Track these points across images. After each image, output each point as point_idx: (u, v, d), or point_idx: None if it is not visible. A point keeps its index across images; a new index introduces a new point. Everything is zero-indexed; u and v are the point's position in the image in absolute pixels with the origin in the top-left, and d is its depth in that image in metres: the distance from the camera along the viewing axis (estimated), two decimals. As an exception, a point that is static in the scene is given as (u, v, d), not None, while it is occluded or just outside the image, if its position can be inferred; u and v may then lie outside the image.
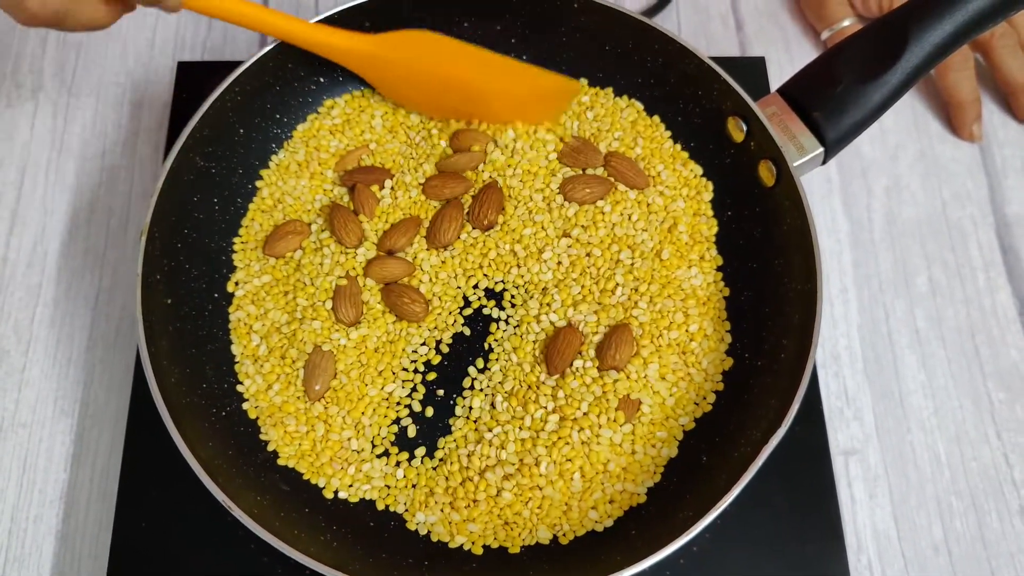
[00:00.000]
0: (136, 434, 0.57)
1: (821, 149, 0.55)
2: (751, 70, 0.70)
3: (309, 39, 0.58)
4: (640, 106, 0.65)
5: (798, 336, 0.53)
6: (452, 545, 0.53)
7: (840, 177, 0.70)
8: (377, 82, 0.62)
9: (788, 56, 0.75)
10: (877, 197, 0.68)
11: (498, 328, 0.59)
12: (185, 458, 0.49)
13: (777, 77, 0.70)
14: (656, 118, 0.64)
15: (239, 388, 0.57)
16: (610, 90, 0.65)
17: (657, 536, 0.48)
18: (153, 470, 0.55)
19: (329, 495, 0.54)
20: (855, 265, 0.66)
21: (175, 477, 0.50)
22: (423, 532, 0.53)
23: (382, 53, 0.59)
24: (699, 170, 0.63)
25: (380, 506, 0.54)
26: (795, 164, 0.55)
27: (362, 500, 0.54)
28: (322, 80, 0.64)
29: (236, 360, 0.58)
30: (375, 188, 0.62)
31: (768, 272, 0.58)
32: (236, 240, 0.61)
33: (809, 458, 0.57)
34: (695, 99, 0.62)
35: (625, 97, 0.65)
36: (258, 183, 0.63)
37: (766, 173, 0.58)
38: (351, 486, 0.54)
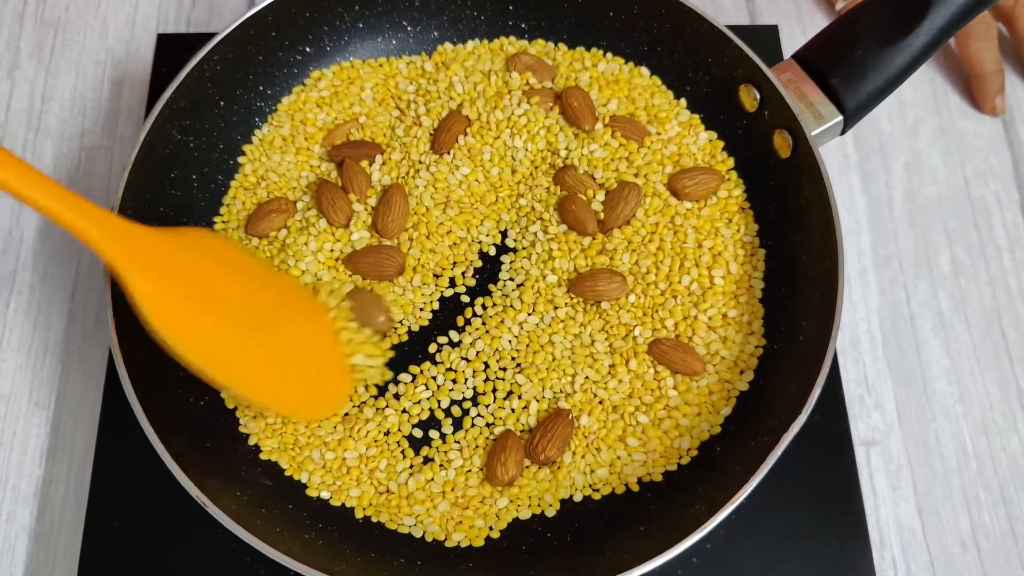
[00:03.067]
0: (110, 427, 0.54)
1: (840, 117, 0.52)
2: (763, 39, 0.67)
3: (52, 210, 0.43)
4: (646, 72, 0.62)
5: (818, 317, 0.49)
6: (449, 544, 0.50)
7: (857, 153, 0.67)
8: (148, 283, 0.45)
9: (800, 27, 0.72)
10: (896, 174, 0.66)
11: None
12: (157, 451, 0.45)
13: (790, 49, 0.67)
14: (660, 82, 0.61)
15: None
16: (614, 58, 0.62)
17: (667, 532, 0.45)
18: (128, 465, 0.52)
19: (313, 494, 0.51)
20: (874, 245, 0.63)
21: (151, 473, 0.46)
22: (417, 534, 0.50)
23: (161, 243, 0.47)
24: (713, 135, 0.60)
25: (359, 515, 0.51)
26: (813, 133, 0.52)
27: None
28: (308, 50, 0.61)
29: None
30: (364, 164, 0.58)
31: (784, 250, 0.55)
32: (217, 220, 0.58)
33: (830, 448, 0.54)
34: (704, 67, 0.59)
35: (631, 64, 0.62)
36: (240, 159, 0.59)
37: (781, 144, 0.55)
38: (331, 486, 0.51)
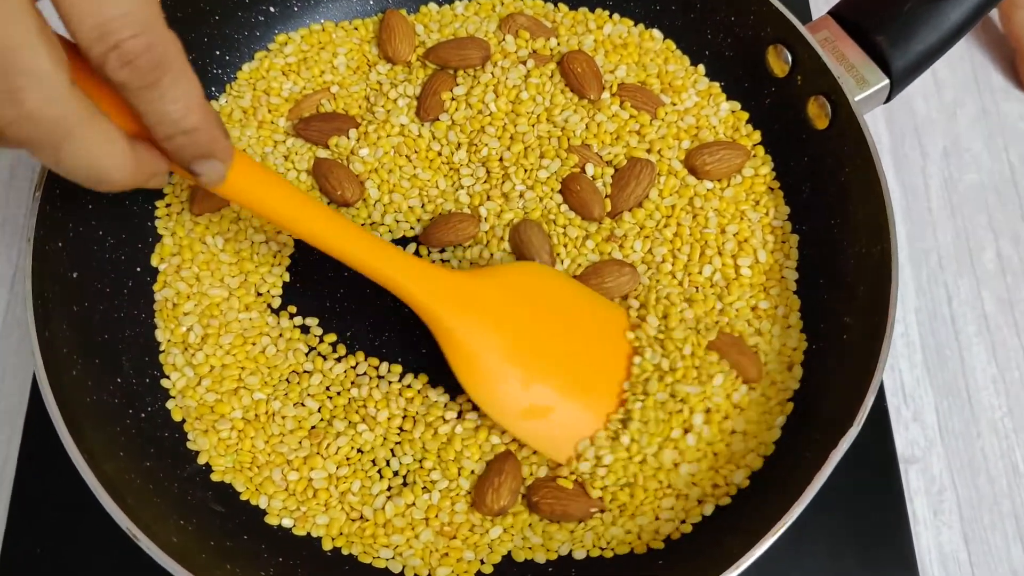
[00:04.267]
0: (34, 440, 0.48)
1: (886, 81, 0.48)
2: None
3: (391, 275, 0.43)
4: (659, 35, 0.55)
5: (867, 311, 0.44)
6: None
7: (890, 137, 0.62)
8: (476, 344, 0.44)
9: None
10: (933, 160, 0.61)
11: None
12: (79, 470, 0.39)
13: (819, 12, 0.61)
14: (674, 46, 0.55)
15: (164, 383, 0.47)
16: (622, 19, 0.56)
17: (693, 567, 0.40)
18: (53, 484, 0.47)
19: (273, 521, 0.44)
20: (909, 239, 0.59)
21: (78, 494, 0.40)
22: (396, 569, 0.43)
23: (492, 293, 0.45)
24: (736, 105, 0.54)
25: (327, 546, 0.44)
26: (855, 99, 0.47)
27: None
28: (273, 10, 0.55)
29: (161, 349, 0.48)
30: (335, 140, 0.51)
31: (820, 236, 0.49)
32: (159, 204, 0.51)
33: (871, 467, 0.50)
34: (726, 27, 0.53)
35: (641, 26, 0.56)
36: (193, 134, 0.52)
37: (816, 113, 0.49)
38: (294, 512, 0.45)
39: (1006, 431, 0.53)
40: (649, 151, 0.51)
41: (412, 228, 0.51)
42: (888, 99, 0.48)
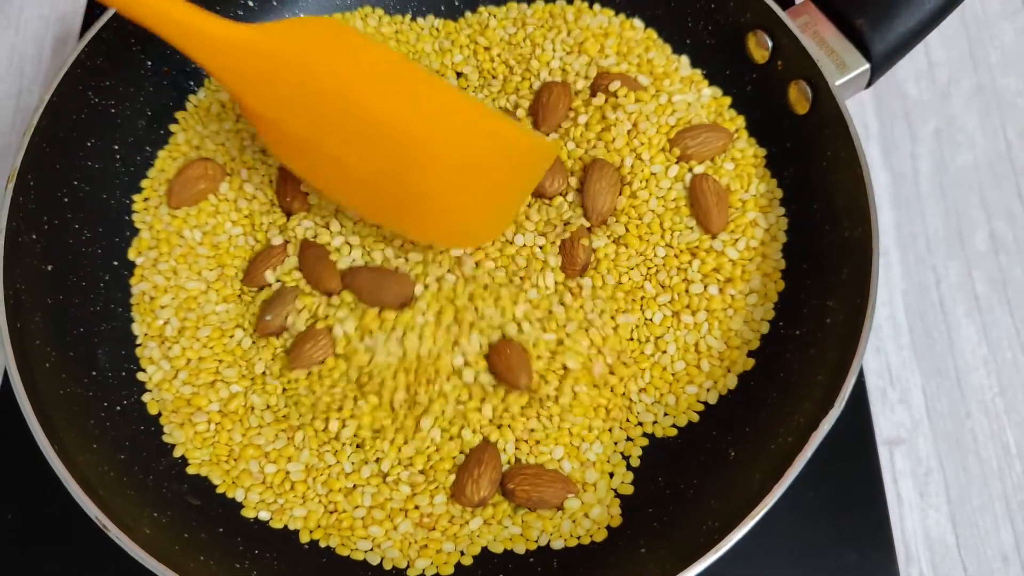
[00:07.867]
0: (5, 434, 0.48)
1: (867, 65, 0.47)
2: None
3: (159, 16, 0.39)
4: (640, 24, 0.55)
5: (849, 294, 0.43)
6: (412, 573, 0.42)
7: (878, 122, 0.61)
8: (252, 103, 0.41)
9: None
10: (924, 143, 0.60)
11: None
12: (49, 461, 0.38)
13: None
14: (655, 35, 0.55)
15: (140, 376, 0.46)
16: (603, 9, 0.55)
17: (675, 553, 0.39)
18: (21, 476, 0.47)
19: (250, 515, 0.44)
20: (897, 224, 0.58)
21: (49, 488, 0.39)
22: (374, 561, 0.43)
23: (269, 48, 0.40)
24: (718, 91, 0.53)
25: (305, 539, 0.44)
26: (836, 84, 0.46)
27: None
28: (251, 4, 0.54)
29: (138, 342, 0.47)
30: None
31: (804, 220, 0.49)
32: (136, 197, 0.50)
33: (850, 448, 0.50)
34: (706, 14, 0.52)
35: (622, 16, 0.55)
36: (172, 127, 0.52)
37: (797, 97, 0.49)
38: (271, 504, 0.44)
39: (996, 411, 0.52)
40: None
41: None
42: (869, 84, 0.47)
